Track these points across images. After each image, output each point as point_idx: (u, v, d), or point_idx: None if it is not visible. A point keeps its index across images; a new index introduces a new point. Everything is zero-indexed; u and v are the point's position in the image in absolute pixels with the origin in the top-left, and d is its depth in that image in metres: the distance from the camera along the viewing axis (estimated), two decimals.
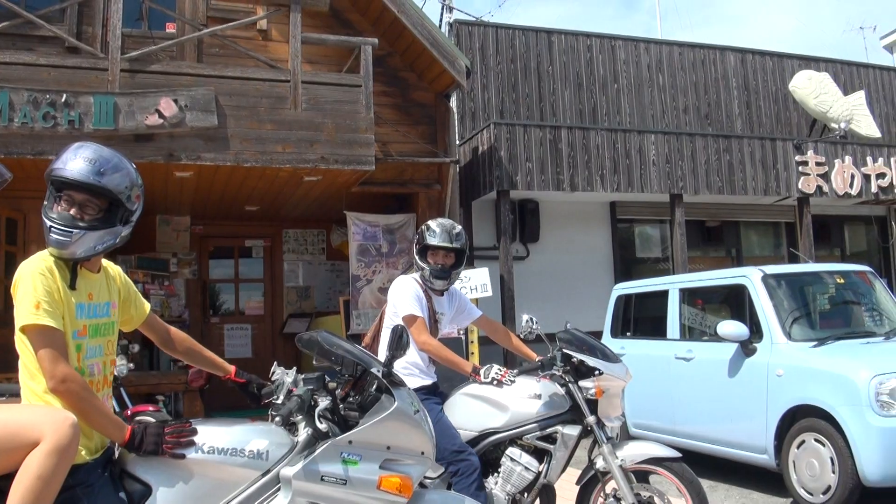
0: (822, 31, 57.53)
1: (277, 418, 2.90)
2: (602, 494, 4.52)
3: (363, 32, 10.02)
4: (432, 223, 4.83)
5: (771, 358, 6.47)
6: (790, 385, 6.24)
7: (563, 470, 4.54)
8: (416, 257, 4.79)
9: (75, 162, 2.82)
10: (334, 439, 2.91)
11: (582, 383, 4.48)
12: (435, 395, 4.65)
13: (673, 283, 8.11)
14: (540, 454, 4.49)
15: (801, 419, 6.16)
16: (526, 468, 4.40)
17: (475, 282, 9.33)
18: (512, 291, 10.68)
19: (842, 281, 7.73)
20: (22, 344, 2.74)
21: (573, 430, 4.47)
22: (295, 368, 3.20)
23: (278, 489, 2.84)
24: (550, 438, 4.49)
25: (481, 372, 4.53)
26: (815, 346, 6.41)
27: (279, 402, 3.14)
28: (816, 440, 5.98)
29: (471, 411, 4.56)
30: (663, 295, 8.01)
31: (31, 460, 2.49)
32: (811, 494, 5.98)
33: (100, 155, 2.89)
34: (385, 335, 4.63)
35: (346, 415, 3.01)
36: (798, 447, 6.13)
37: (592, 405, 4.46)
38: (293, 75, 8.65)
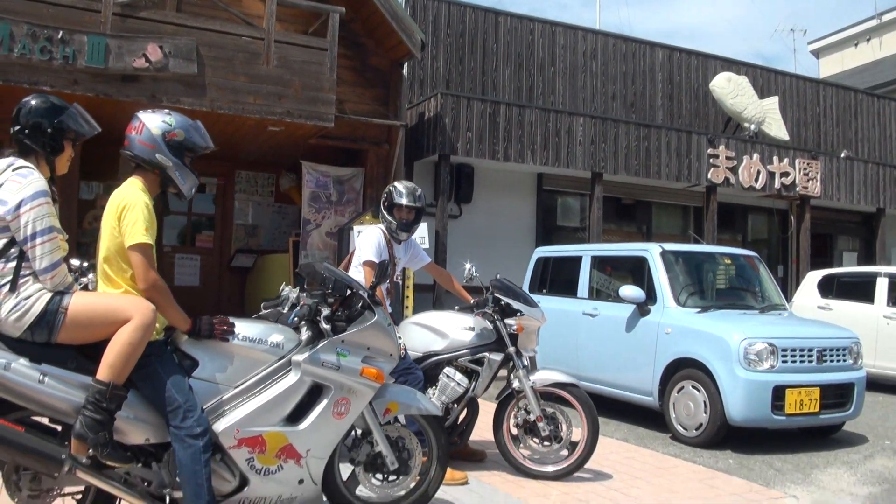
0: (757, 25, 59.38)
1: (294, 318, 4.00)
2: (515, 408, 5.72)
3: None
4: (399, 185, 5.91)
5: (662, 318, 7.71)
6: (676, 341, 7.50)
7: (487, 387, 5.73)
8: (384, 212, 5.85)
9: (206, 135, 3.93)
10: (332, 338, 4.02)
11: (507, 321, 5.65)
12: None
13: (586, 251, 9.30)
14: (469, 374, 5.64)
15: (682, 369, 7.40)
16: (458, 384, 5.52)
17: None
18: (445, 245, 11.74)
19: (729, 262, 9.06)
20: (110, 256, 3.70)
21: (497, 357, 5.64)
22: (298, 288, 4.27)
23: (289, 371, 3.93)
24: (479, 362, 5.65)
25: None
26: (699, 312, 7.66)
27: (284, 311, 4.24)
28: (693, 386, 7.24)
29: (417, 337, 5.69)
30: (577, 260, 9.17)
31: (124, 332, 3.47)
32: (686, 430, 7.26)
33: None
34: (352, 272, 5.69)
35: (336, 324, 4.11)
36: (678, 392, 7.39)
37: (514, 339, 5.64)
38: (267, 34, 9.52)
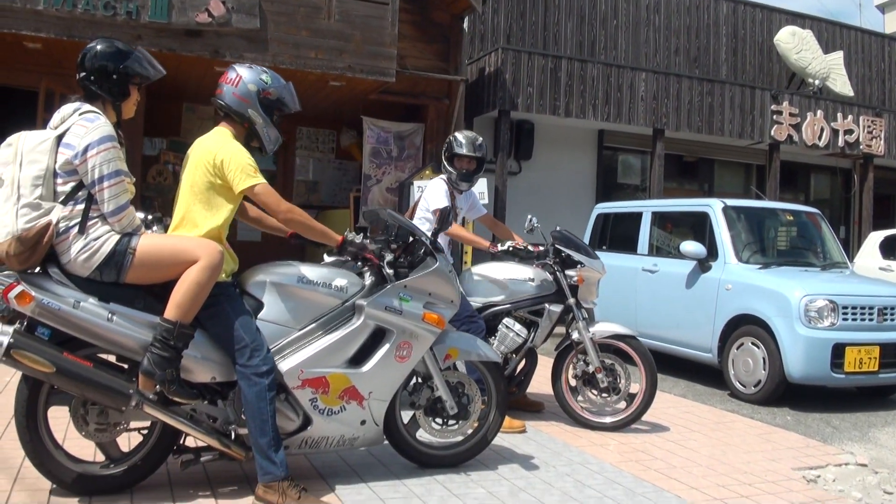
0: None
1: (358, 263, 4.06)
2: (574, 360, 5.73)
3: None
4: (459, 135, 5.92)
5: (722, 275, 7.66)
6: (736, 298, 7.44)
7: (546, 338, 5.75)
8: (445, 163, 5.88)
9: (295, 97, 4.09)
10: (395, 283, 4.08)
11: (567, 272, 5.64)
12: None
13: (646, 207, 9.24)
14: (529, 325, 5.66)
15: (741, 326, 7.34)
16: (517, 334, 5.55)
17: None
18: (504, 202, 11.76)
19: (791, 219, 8.93)
20: (194, 200, 3.82)
21: (557, 308, 5.64)
22: (362, 235, 4.33)
23: (352, 314, 4.00)
24: (538, 313, 5.67)
25: (498, 245, 5.67)
26: (760, 269, 7.59)
27: (348, 260, 4.29)
28: (753, 343, 7.19)
29: (477, 287, 5.71)
30: (637, 216, 9.12)
31: (192, 272, 3.56)
32: (744, 387, 7.23)
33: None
34: (416, 223, 5.74)
35: (399, 270, 4.16)
36: (737, 349, 7.35)
37: (574, 290, 5.64)
38: None
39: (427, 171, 10.39)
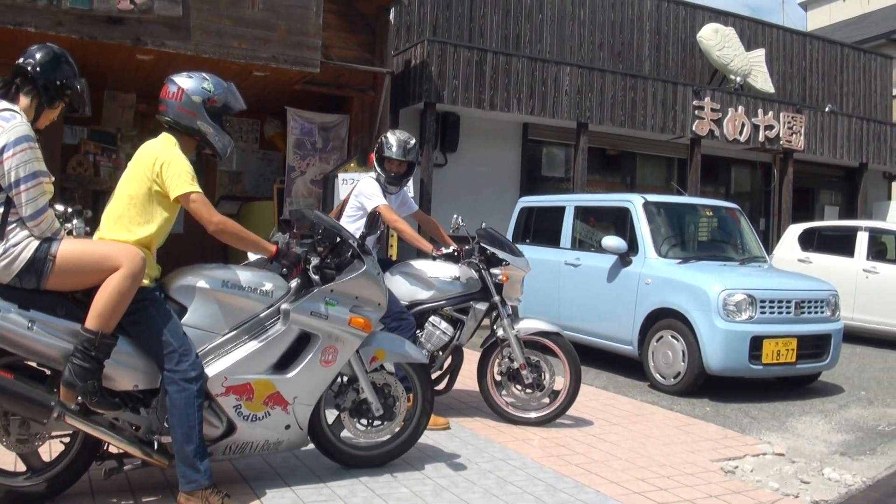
0: None
1: (284, 270, 4.03)
2: (499, 356, 5.81)
3: None
4: (391, 137, 5.89)
5: (643, 269, 7.82)
6: (656, 292, 7.62)
7: (472, 336, 5.81)
8: (375, 164, 5.86)
9: (239, 96, 4.01)
10: (321, 287, 4.07)
11: (492, 270, 5.69)
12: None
13: (569, 201, 9.37)
14: (454, 322, 5.71)
15: (661, 319, 7.54)
16: (443, 332, 5.60)
17: None
18: (430, 194, 11.78)
19: (711, 214, 9.16)
20: (130, 204, 3.75)
21: (482, 306, 5.70)
22: (287, 235, 4.30)
23: (278, 319, 3.98)
24: (464, 311, 5.71)
25: (442, 249, 5.69)
26: (679, 263, 7.78)
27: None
28: (672, 336, 7.38)
29: (403, 285, 5.71)
30: (560, 210, 9.24)
31: (113, 280, 3.50)
32: (664, 379, 7.42)
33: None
34: (343, 222, 5.72)
35: (325, 272, 4.15)
36: (657, 341, 7.54)
37: (498, 288, 5.70)
38: None
39: (352, 164, 10.34)
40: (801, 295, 7.48)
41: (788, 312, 7.32)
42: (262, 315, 3.97)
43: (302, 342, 4.03)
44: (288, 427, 4.01)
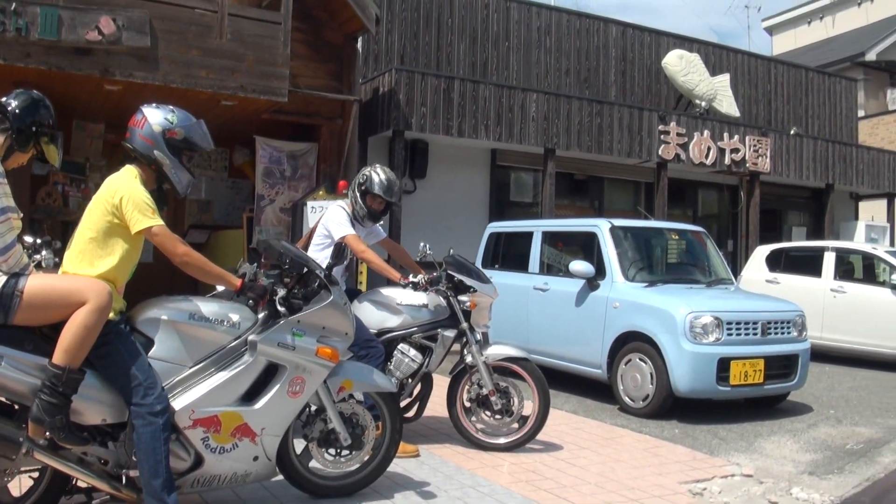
0: (713, 1, 59.79)
1: (251, 302, 4.05)
2: (469, 382, 5.86)
3: None
4: (380, 175, 5.84)
5: (610, 293, 7.89)
6: (623, 315, 7.69)
7: (440, 363, 5.85)
8: (357, 194, 5.83)
9: (207, 135, 4.01)
10: (288, 318, 4.09)
11: (460, 297, 5.75)
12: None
13: (537, 226, 9.45)
14: (423, 350, 5.74)
15: (629, 342, 7.61)
16: (412, 360, 5.62)
17: None
18: (399, 221, 11.79)
19: (677, 237, 9.28)
20: (91, 238, 3.76)
21: (450, 333, 5.75)
22: (255, 265, 4.32)
23: (245, 350, 3.99)
24: (433, 338, 5.75)
25: (410, 277, 5.69)
26: (646, 287, 7.86)
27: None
28: (640, 359, 7.45)
29: (372, 313, 5.75)
30: (528, 235, 9.32)
31: (79, 315, 3.51)
32: (633, 401, 7.48)
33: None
34: (311, 251, 5.75)
35: (292, 302, 4.17)
36: (626, 364, 7.60)
37: (466, 315, 5.75)
38: (220, 7, 9.39)
39: (320, 192, 10.36)
40: (768, 316, 7.58)
41: (755, 333, 7.42)
42: (229, 347, 3.98)
43: (269, 373, 4.04)
44: (256, 458, 4.01)
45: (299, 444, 4.38)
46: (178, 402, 3.79)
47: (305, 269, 4.20)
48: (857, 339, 11.11)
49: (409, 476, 5.00)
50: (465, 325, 5.72)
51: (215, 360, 3.93)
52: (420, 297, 5.76)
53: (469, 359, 5.75)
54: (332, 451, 4.40)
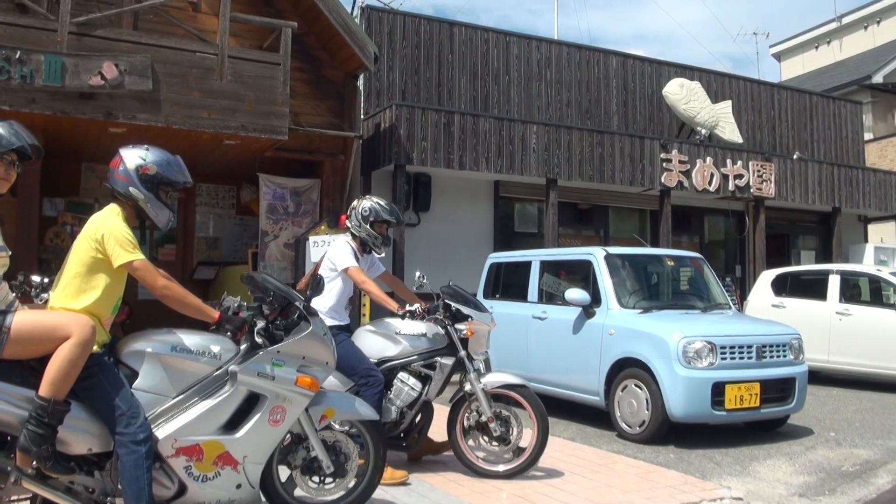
0: (723, 29, 60.08)
1: (228, 333, 4.17)
2: (468, 410, 5.96)
3: (283, 12, 11.02)
4: (383, 203, 6.15)
5: (606, 320, 7.96)
6: (619, 342, 7.75)
7: (440, 391, 5.97)
8: (367, 226, 6.02)
9: (184, 170, 4.16)
10: (267, 349, 4.20)
11: (458, 326, 5.88)
12: (347, 332, 5.94)
13: (535, 256, 9.55)
14: (423, 378, 5.87)
15: (625, 369, 7.65)
16: (412, 388, 5.77)
17: None
18: (403, 254, 11.93)
19: (672, 264, 9.34)
20: (75, 274, 3.90)
21: (449, 361, 5.88)
22: (239, 297, 4.44)
23: (226, 380, 4.11)
24: (432, 367, 5.88)
25: (407, 306, 5.81)
26: (641, 313, 7.92)
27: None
28: (636, 385, 7.49)
29: (372, 343, 5.91)
30: (527, 265, 9.41)
31: (64, 349, 3.65)
32: (630, 427, 7.51)
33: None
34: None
35: (274, 333, 4.29)
36: (622, 391, 7.64)
37: (465, 343, 5.87)
38: (221, 50, 9.65)
39: (322, 227, 10.51)
40: (763, 339, 7.61)
41: (750, 357, 7.45)
42: (211, 377, 4.09)
43: (251, 402, 4.14)
44: (239, 486, 4.10)
45: (284, 473, 4.47)
46: (161, 432, 3.90)
47: (287, 301, 4.31)
48: (864, 362, 11.06)
49: (395, 503, 5.07)
50: (463, 353, 5.84)
51: (198, 391, 4.04)
52: (418, 327, 5.91)
53: (468, 386, 5.86)
54: (315, 478, 4.48)
